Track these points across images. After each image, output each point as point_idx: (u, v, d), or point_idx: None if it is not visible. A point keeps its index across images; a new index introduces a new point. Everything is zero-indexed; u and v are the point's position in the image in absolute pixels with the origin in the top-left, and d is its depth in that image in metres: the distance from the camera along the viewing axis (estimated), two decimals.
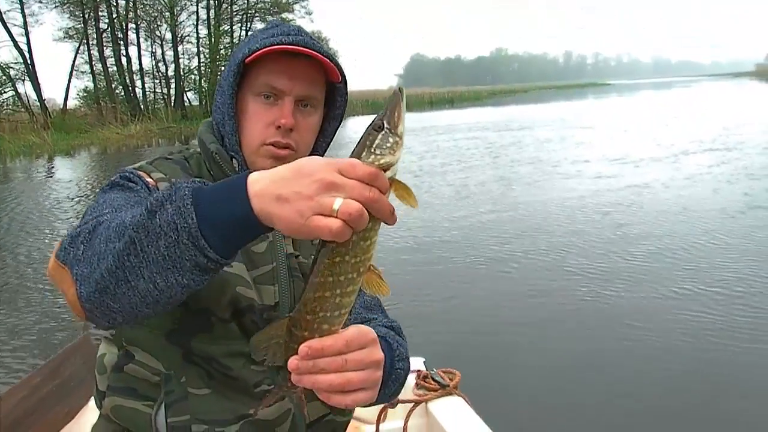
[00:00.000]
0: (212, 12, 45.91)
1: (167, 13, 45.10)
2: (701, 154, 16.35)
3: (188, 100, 47.42)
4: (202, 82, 45.95)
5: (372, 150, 0.96)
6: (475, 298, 6.66)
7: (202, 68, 46.28)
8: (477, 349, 5.33)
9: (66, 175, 19.92)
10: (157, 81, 46.69)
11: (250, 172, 0.97)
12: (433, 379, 2.52)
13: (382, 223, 0.97)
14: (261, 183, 0.94)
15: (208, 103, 43.75)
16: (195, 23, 46.28)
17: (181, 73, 46.02)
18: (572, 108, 45.29)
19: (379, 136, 0.97)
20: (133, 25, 44.27)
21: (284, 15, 47.80)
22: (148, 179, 1.39)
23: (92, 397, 2.48)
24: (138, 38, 44.88)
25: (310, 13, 49.65)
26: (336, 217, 0.90)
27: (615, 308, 6.12)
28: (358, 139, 0.99)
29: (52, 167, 23.31)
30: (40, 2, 41.13)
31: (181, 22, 46.11)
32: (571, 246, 8.26)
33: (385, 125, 0.98)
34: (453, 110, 46.94)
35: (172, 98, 46.05)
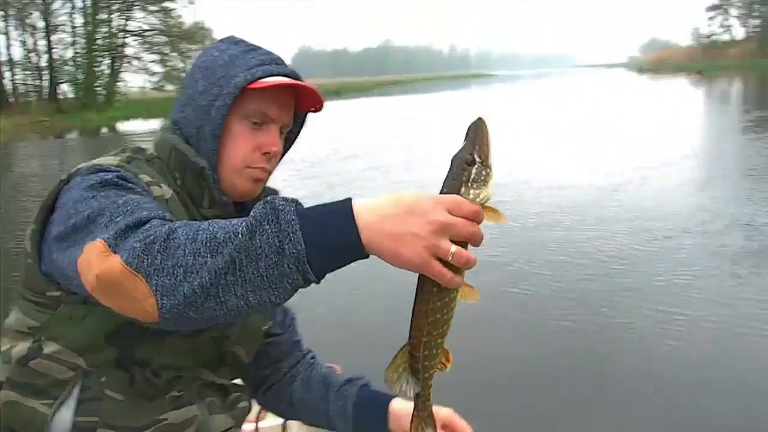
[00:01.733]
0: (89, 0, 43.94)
1: (39, 0, 42.83)
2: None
3: (63, 92, 45.26)
4: (80, 73, 43.95)
5: (469, 185, 1.02)
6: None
7: (79, 59, 44.25)
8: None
9: None
10: (29, 72, 44.33)
11: (349, 200, 1.01)
12: None
13: None
14: (370, 216, 0.98)
15: (86, 95, 42.00)
16: (70, 11, 44.26)
17: (54, 64, 43.81)
18: (458, 97, 46.40)
19: (474, 171, 1.03)
20: (1, 13, 41.80)
21: (166, 4, 46.45)
22: (143, 181, 1.35)
23: None
24: (6, 26, 42.45)
25: (192, 2, 48.41)
26: (451, 263, 0.99)
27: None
28: (450, 170, 1.04)
29: None
30: None
31: (54, 11, 43.95)
32: None
33: (477, 159, 1.03)
34: (339, 101, 47.18)
35: (46, 91, 43.77)
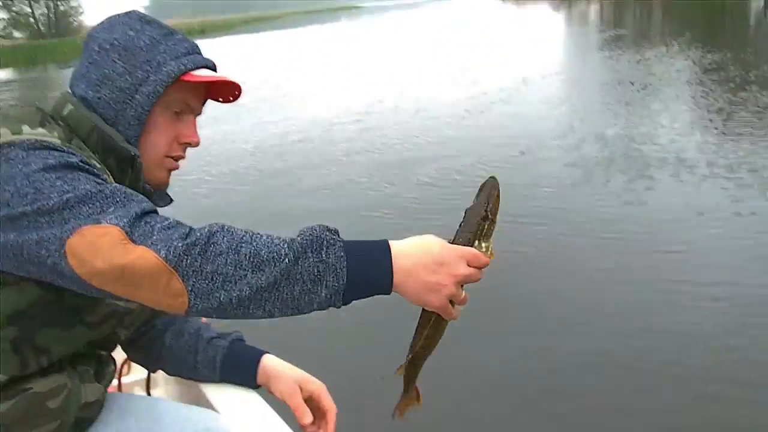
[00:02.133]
0: None
1: None
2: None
3: None
4: None
5: (481, 239, 1.19)
6: None
7: None
8: None
9: None
10: None
11: (386, 242, 1.11)
12: None
13: None
14: (405, 261, 1.10)
15: None
16: None
17: None
18: (326, 30, 45.77)
19: (486, 226, 1.19)
20: None
21: None
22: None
23: None
24: None
25: None
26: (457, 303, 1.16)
27: None
28: (466, 222, 1.20)
29: None
30: None
31: None
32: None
33: (490, 216, 1.19)
34: (204, 39, 45.57)
35: None
